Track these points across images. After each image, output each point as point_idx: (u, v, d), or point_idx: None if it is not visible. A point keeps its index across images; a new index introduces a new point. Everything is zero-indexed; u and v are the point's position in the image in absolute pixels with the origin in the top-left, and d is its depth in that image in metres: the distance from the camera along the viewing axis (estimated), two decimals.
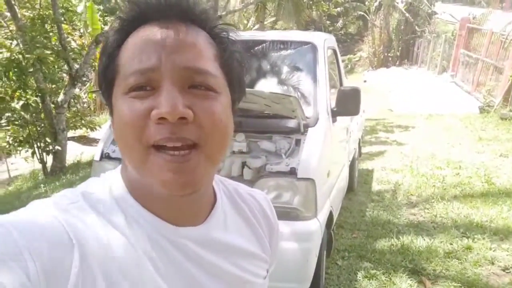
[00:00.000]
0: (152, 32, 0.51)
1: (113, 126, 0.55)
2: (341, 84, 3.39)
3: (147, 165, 0.49)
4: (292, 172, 2.22)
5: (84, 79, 9.30)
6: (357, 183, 4.89)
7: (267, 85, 2.68)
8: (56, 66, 6.83)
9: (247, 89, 2.18)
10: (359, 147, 5.19)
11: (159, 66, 0.49)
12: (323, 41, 2.85)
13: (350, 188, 4.50)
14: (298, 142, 2.36)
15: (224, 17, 13.09)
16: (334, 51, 3.34)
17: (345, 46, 22.75)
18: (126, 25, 0.54)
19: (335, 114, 2.65)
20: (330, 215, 2.68)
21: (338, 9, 17.99)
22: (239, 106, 2.21)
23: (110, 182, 0.57)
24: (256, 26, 14.28)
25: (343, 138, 3.22)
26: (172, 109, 0.47)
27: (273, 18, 17.62)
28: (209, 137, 0.50)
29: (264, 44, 2.92)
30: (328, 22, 19.21)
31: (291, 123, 2.38)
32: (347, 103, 2.61)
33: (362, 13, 19.91)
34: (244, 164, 2.32)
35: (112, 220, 0.53)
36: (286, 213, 2.21)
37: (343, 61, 20.11)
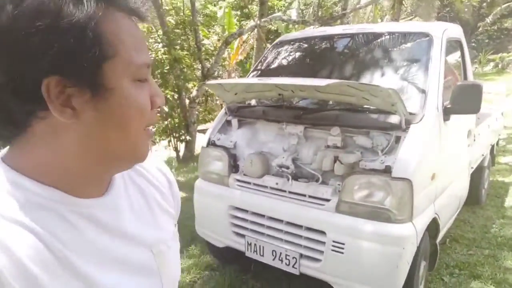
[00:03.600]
0: (134, 24, 0.55)
1: (104, 108, 0.51)
2: (465, 79, 3.01)
3: (142, 143, 0.57)
4: (387, 171, 2.08)
5: (217, 76, 10.15)
6: (486, 195, 4.27)
7: (371, 78, 2.55)
8: (191, 65, 7.58)
9: (343, 80, 2.08)
10: (492, 155, 4.52)
11: None
12: (442, 31, 2.57)
13: (475, 200, 3.99)
14: (398, 140, 2.20)
15: (353, 13, 12.73)
16: (459, 44, 2.98)
17: (497, 43, 19.94)
18: None
19: (448, 111, 2.37)
20: (434, 223, 2.42)
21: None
22: (335, 99, 2.16)
23: None
24: None
25: (461, 140, 2.86)
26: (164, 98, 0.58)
27: (410, 17, 16.42)
28: None
29: (377, 37, 2.78)
30: (466, 16, 16.93)
31: (392, 119, 2.22)
32: (465, 100, 2.32)
33: None
34: (336, 159, 2.26)
35: (5, 214, 0.48)
36: (376, 214, 2.08)
37: (493, 60, 17.56)
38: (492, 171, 4.89)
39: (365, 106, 2.33)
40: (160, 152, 8.46)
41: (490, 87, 12.34)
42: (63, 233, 0.51)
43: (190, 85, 7.71)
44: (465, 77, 3.00)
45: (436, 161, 2.30)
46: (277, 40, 3.27)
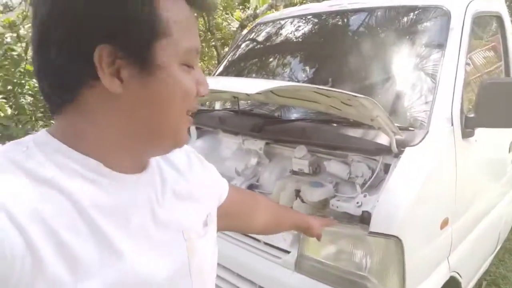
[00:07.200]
0: (188, 8, 0.55)
1: (150, 85, 0.52)
2: (508, 75, 2.16)
3: (182, 127, 0.57)
4: (364, 220, 1.37)
5: None
6: None
7: (358, 76, 1.82)
8: (201, 53, 7.07)
9: (287, 83, 1.34)
10: None
11: None
12: (466, 4, 1.76)
13: None
14: (387, 169, 1.48)
15: None
16: (499, 21, 2.13)
17: None
18: None
19: (471, 124, 1.60)
20: (454, 281, 1.69)
21: None
22: (297, 105, 1.37)
23: (39, 142, 0.52)
24: None
25: (498, 159, 2.04)
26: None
27: None
28: None
29: (373, 15, 2.02)
30: None
31: (380, 138, 1.49)
32: (497, 106, 1.53)
33: None
34: (297, 193, 1.58)
35: (40, 176, 0.48)
36: (350, 282, 1.40)
37: None
38: None
39: (344, 117, 1.62)
40: None
41: None
42: (100, 198, 0.51)
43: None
44: (507, 70, 2.14)
45: (450, 199, 1.55)
46: (255, 23, 2.59)
